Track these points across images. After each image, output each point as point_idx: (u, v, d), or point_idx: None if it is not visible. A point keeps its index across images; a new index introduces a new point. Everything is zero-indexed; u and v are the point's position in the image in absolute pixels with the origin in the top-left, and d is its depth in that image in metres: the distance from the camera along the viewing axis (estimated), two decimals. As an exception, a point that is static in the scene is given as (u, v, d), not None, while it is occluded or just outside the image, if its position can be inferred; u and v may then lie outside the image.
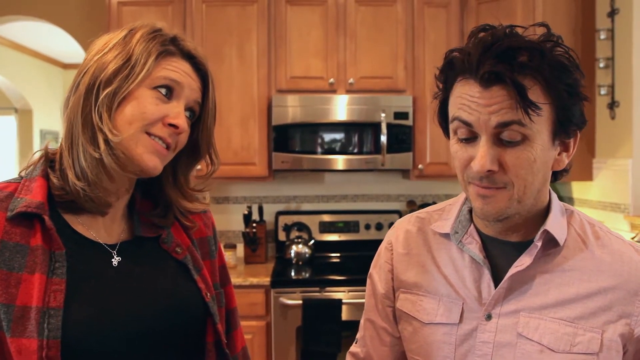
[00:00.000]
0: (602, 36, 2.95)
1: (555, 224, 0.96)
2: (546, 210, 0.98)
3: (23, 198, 0.91)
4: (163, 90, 0.96)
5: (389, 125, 3.24)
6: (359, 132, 3.29)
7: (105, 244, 0.99)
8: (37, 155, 0.99)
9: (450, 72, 0.93)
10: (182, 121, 0.96)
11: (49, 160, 0.98)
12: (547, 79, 0.86)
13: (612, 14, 2.91)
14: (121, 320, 0.92)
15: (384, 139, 3.21)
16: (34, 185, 0.93)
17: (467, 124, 0.89)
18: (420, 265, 1.08)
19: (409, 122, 3.27)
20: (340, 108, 3.26)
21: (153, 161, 0.95)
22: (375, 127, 3.25)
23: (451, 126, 0.93)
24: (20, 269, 0.87)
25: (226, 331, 1.12)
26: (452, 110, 0.92)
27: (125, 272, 0.97)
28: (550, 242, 0.96)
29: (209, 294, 1.03)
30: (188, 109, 1.00)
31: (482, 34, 0.90)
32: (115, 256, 0.98)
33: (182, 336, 0.99)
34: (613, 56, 2.92)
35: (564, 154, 0.95)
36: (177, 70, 0.98)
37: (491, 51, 0.86)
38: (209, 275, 1.07)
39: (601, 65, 2.97)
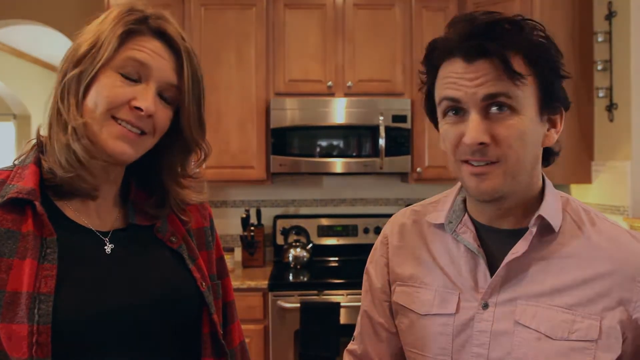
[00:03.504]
0: (600, 39, 2.96)
1: (549, 210, 0.95)
2: (540, 196, 0.98)
3: (14, 185, 0.90)
4: (128, 73, 0.92)
5: (387, 129, 3.24)
6: (357, 136, 3.28)
7: (97, 231, 0.97)
8: (30, 144, 0.98)
9: (435, 56, 0.94)
10: (148, 103, 0.92)
11: (41, 145, 0.97)
12: (527, 51, 0.89)
13: (610, 16, 2.92)
14: (113, 308, 0.91)
15: (382, 142, 3.20)
16: (26, 172, 0.92)
17: (455, 100, 0.90)
18: (416, 257, 1.07)
19: (407, 125, 3.27)
20: (339, 111, 3.26)
21: (120, 147, 0.92)
22: (374, 130, 3.25)
23: (439, 108, 0.94)
24: (11, 254, 0.86)
25: (223, 324, 1.10)
26: (440, 93, 0.94)
27: (118, 259, 0.96)
28: (546, 229, 0.96)
29: (204, 284, 1.02)
30: (163, 90, 0.96)
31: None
32: (107, 243, 0.97)
33: (176, 326, 0.97)
34: (611, 59, 2.92)
35: (553, 130, 0.95)
36: (144, 50, 0.93)
37: (473, 27, 0.89)
38: (205, 266, 1.06)
39: (599, 67, 2.97)
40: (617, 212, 2.90)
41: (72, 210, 0.96)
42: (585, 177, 3.12)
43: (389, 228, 1.15)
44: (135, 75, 0.93)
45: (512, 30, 0.88)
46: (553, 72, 0.91)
